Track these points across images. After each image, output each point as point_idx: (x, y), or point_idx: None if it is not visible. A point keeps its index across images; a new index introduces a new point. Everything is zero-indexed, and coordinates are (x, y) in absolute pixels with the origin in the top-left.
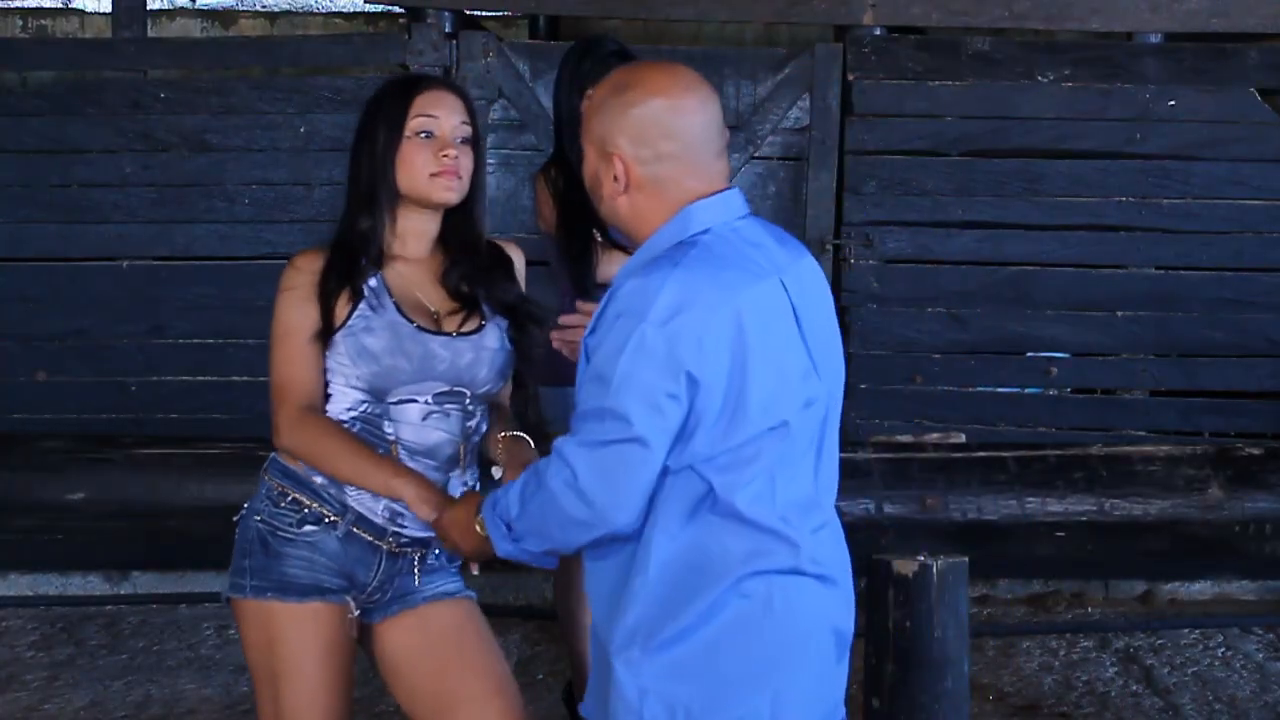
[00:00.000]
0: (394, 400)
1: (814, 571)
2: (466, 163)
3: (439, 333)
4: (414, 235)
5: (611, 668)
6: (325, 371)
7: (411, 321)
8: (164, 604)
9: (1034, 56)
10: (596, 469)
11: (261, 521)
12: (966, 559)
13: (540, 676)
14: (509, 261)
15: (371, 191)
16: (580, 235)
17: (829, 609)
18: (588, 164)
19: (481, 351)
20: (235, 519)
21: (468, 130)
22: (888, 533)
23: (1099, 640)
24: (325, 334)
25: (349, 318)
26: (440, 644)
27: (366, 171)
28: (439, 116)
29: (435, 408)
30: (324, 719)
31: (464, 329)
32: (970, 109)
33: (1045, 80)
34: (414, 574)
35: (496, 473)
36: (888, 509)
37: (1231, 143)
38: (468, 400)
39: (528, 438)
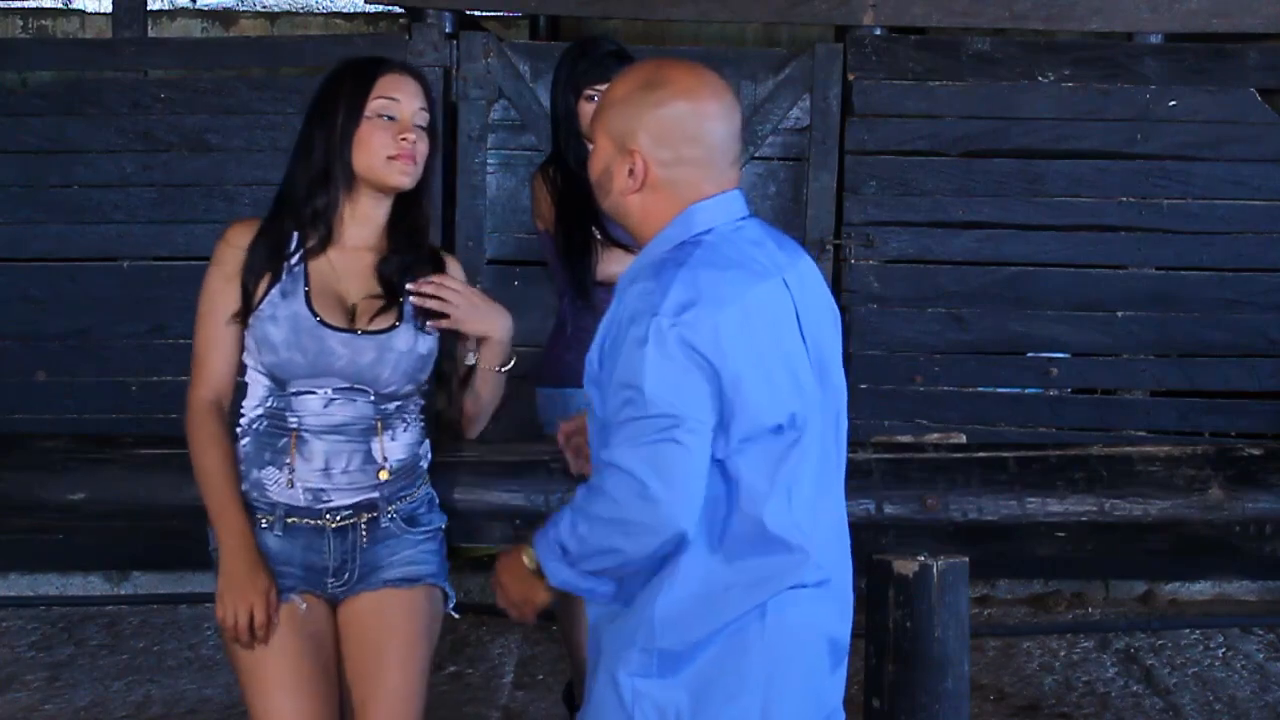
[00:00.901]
0: (294, 391)
1: (814, 579)
2: (423, 148)
3: (341, 329)
4: (362, 220)
5: (607, 667)
6: (242, 352)
7: (315, 315)
8: (164, 604)
9: (1034, 56)
10: (654, 467)
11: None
12: (966, 559)
13: (540, 676)
14: (441, 261)
15: (326, 170)
16: (579, 235)
17: (824, 618)
18: (599, 155)
19: (386, 352)
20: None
21: (426, 117)
22: (888, 533)
23: (1099, 640)
24: (243, 316)
25: (262, 302)
26: (370, 638)
27: (322, 150)
28: (400, 100)
29: (336, 398)
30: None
31: (372, 327)
32: (970, 109)
33: (1045, 80)
34: (371, 544)
35: (470, 359)
36: (888, 509)
37: (1231, 143)
38: (371, 396)
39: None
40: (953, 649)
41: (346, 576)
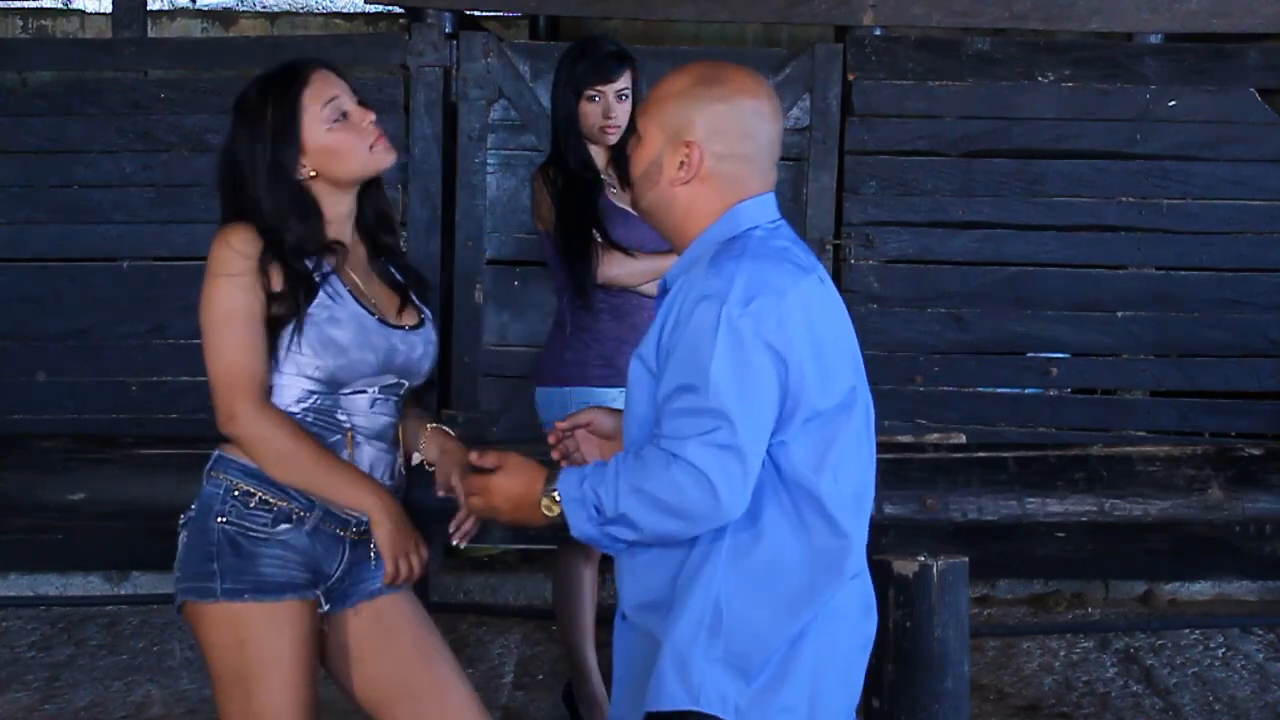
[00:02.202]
0: (347, 391)
1: (854, 571)
2: None
3: (397, 326)
4: (342, 219)
5: (675, 647)
6: (273, 360)
7: (372, 314)
8: (164, 604)
9: (1034, 56)
10: (724, 471)
11: (228, 523)
12: (966, 559)
13: (540, 677)
14: (394, 221)
15: (299, 192)
16: (579, 236)
17: (859, 609)
18: (648, 147)
19: (428, 345)
20: (182, 520)
21: (355, 94)
22: (888, 533)
23: (1099, 640)
24: (277, 322)
25: (308, 306)
26: (399, 633)
27: (283, 175)
28: (340, 94)
29: (380, 396)
30: (302, 715)
31: (411, 323)
32: (970, 109)
33: (1045, 80)
34: (371, 560)
35: (416, 458)
36: (888, 509)
37: (1231, 143)
38: (404, 389)
39: (446, 429)
40: (953, 649)
41: (339, 588)
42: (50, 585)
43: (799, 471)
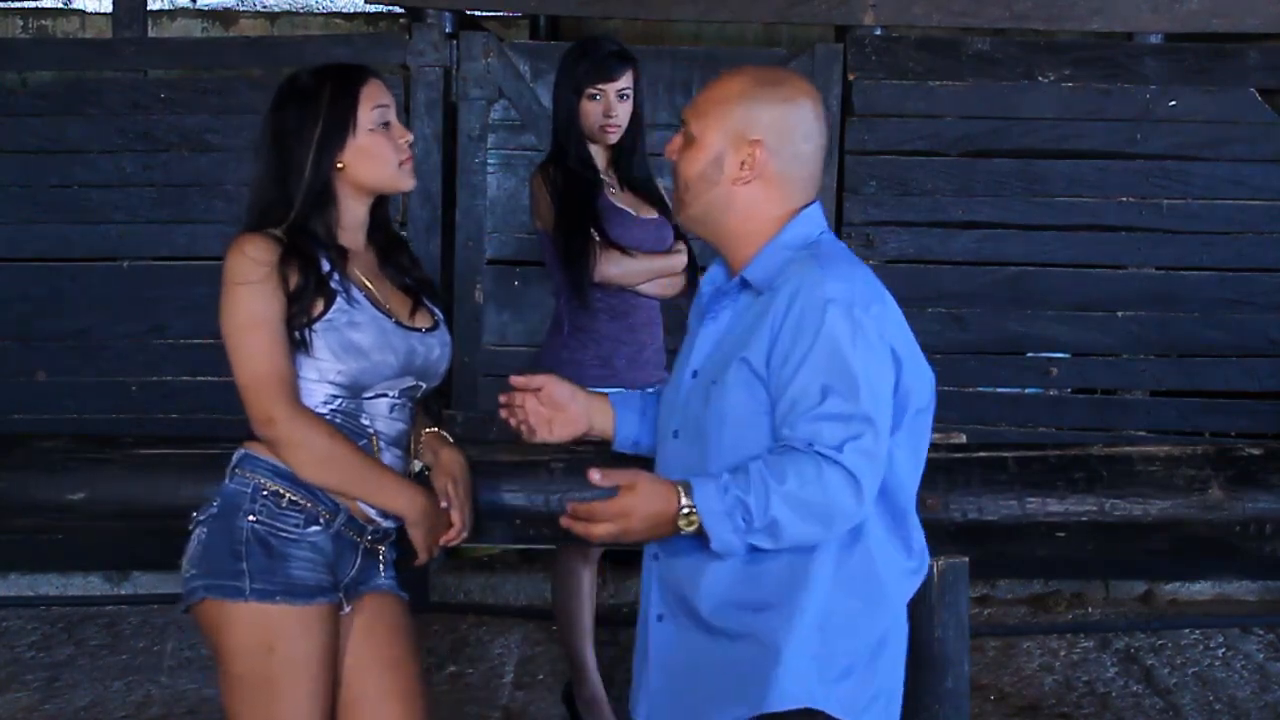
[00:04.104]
0: (369, 395)
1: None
2: None
3: (414, 329)
4: (357, 226)
5: (790, 648)
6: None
7: (390, 317)
8: (164, 604)
9: (1034, 56)
10: (871, 476)
11: (258, 522)
12: (966, 559)
13: (540, 676)
14: (408, 244)
15: (325, 186)
16: (578, 235)
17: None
18: (705, 149)
19: (445, 347)
20: (200, 517)
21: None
22: None
23: (1099, 640)
24: (297, 327)
25: (326, 311)
26: (367, 636)
27: (319, 168)
28: (389, 105)
29: (398, 400)
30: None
31: (426, 325)
32: (970, 109)
33: (1045, 80)
34: (378, 568)
35: (416, 465)
36: None
37: (1231, 143)
38: (419, 393)
39: (445, 433)
40: (953, 649)
41: (348, 594)
42: (50, 585)
43: (897, 474)
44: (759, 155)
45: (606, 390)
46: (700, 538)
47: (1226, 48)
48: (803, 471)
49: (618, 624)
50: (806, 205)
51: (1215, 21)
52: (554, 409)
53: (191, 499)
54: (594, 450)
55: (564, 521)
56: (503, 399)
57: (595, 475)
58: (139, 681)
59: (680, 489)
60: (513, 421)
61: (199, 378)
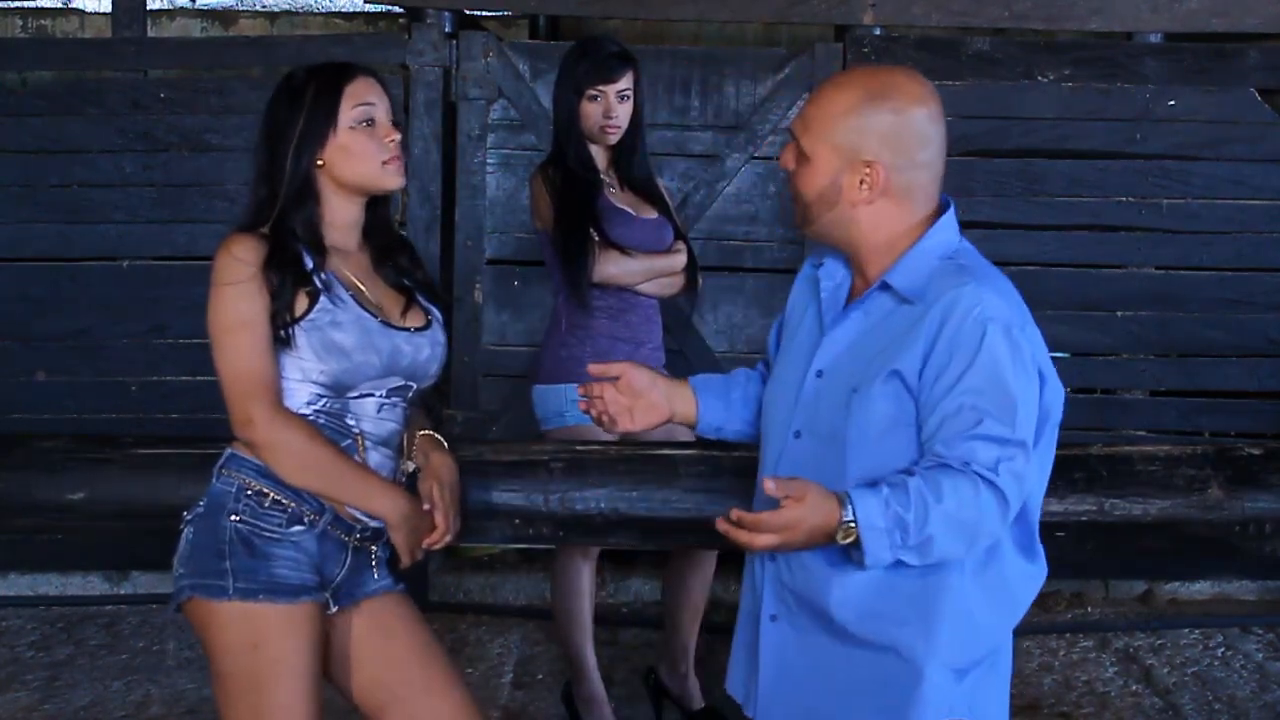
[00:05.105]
0: (354, 395)
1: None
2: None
3: (401, 328)
4: (348, 226)
5: (939, 662)
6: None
7: (375, 316)
8: (164, 604)
9: (1034, 56)
10: (1018, 498)
11: (241, 522)
12: None
13: (540, 676)
14: (413, 246)
15: (307, 183)
16: (577, 235)
17: None
18: (820, 170)
19: (436, 347)
20: (189, 517)
21: (392, 114)
22: None
23: (1099, 640)
24: (281, 326)
25: (309, 311)
26: (395, 636)
27: (298, 163)
28: (376, 103)
29: (387, 400)
30: (315, 718)
31: (417, 324)
32: (970, 109)
33: (1045, 80)
34: (371, 568)
35: (409, 466)
36: None
37: (1231, 143)
38: (411, 393)
39: (440, 437)
40: None
41: (338, 592)
42: (50, 585)
43: (1030, 487)
44: (878, 175)
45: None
46: (851, 547)
47: (1226, 47)
48: (960, 491)
49: (618, 623)
50: (938, 208)
51: (1215, 21)
52: (633, 397)
53: (191, 499)
54: (597, 450)
55: (721, 526)
56: (580, 390)
57: (770, 485)
58: (138, 681)
59: (840, 502)
60: (593, 412)
61: (199, 378)
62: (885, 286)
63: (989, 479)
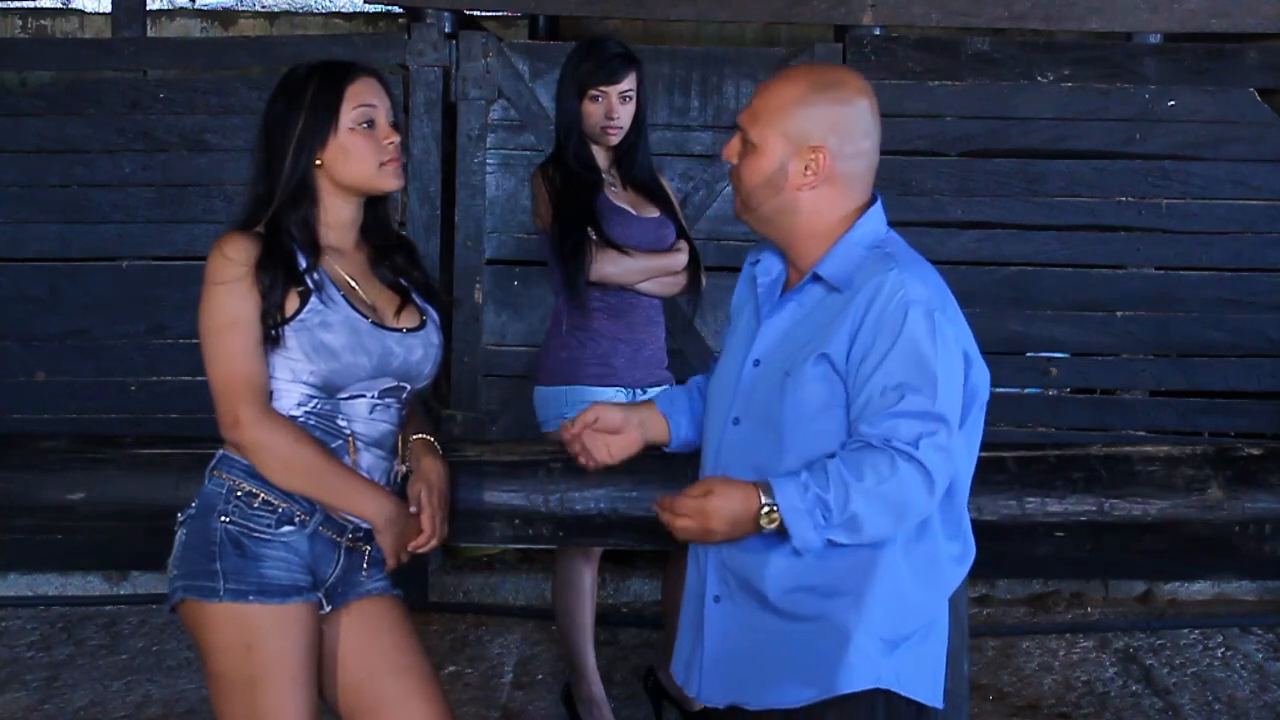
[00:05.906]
0: (345, 396)
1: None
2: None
3: (393, 329)
4: (344, 225)
5: (864, 631)
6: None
7: (366, 317)
8: (163, 604)
9: (1034, 56)
10: (942, 471)
11: (231, 523)
12: None
13: (540, 676)
14: (413, 246)
15: (304, 182)
16: (575, 234)
17: None
18: (766, 156)
19: (429, 348)
20: (181, 518)
21: (392, 115)
22: None
23: (1099, 640)
24: (272, 327)
25: (299, 311)
26: (373, 642)
27: (296, 162)
28: (376, 105)
29: (379, 401)
30: (310, 718)
31: (410, 325)
32: (970, 109)
33: (1045, 80)
34: (364, 568)
35: (402, 468)
36: None
37: (1231, 143)
38: (405, 394)
39: (433, 440)
40: (952, 649)
41: (331, 592)
42: (50, 585)
43: (957, 467)
44: (823, 160)
45: (649, 396)
46: (779, 534)
47: (1226, 48)
48: (879, 467)
49: (617, 624)
50: (868, 200)
51: (1214, 21)
52: (609, 433)
53: (191, 499)
54: None
55: (653, 505)
56: (565, 438)
57: (661, 504)
58: (138, 681)
59: (759, 489)
60: (579, 456)
61: (198, 378)
62: (816, 278)
63: (909, 454)
